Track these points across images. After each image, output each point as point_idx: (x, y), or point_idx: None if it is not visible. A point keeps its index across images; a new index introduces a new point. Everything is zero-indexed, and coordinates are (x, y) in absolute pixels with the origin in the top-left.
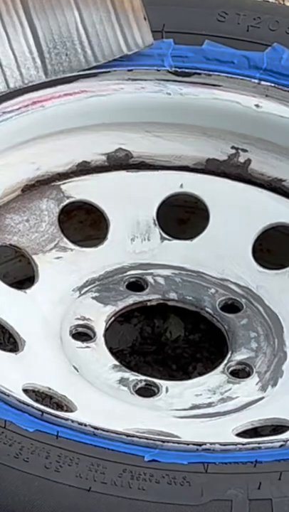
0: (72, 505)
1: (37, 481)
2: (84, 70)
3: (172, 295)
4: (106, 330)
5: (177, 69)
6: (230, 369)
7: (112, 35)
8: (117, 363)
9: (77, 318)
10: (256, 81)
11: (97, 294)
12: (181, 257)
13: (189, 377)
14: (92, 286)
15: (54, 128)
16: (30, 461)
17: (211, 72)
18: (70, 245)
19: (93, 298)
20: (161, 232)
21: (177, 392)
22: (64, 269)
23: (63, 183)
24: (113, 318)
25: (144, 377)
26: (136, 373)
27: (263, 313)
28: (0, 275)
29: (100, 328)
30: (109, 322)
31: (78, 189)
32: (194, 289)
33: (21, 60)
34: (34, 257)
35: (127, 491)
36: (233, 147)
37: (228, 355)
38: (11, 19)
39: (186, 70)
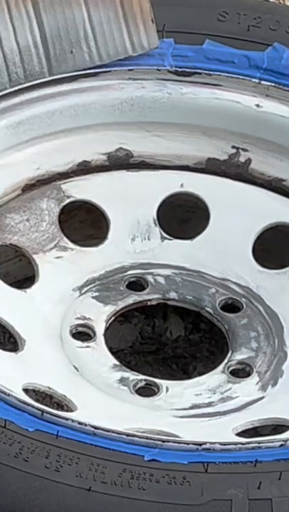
0: (72, 505)
1: (37, 481)
2: (87, 68)
3: (172, 295)
4: (106, 329)
5: (178, 68)
6: (231, 369)
7: (118, 35)
8: (117, 362)
9: (78, 318)
10: (256, 81)
11: (97, 294)
12: (181, 257)
13: (189, 377)
14: (92, 285)
15: (54, 127)
16: (30, 461)
17: (211, 72)
18: (71, 245)
19: (93, 297)
20: (161, 231)
21: (177, 392)
22: (64, 269)
23: (64, 183)
24: (113, 318)
25: (144, 377)
26: (136, 373)
27: (263, 312)
28: (0, 275)
29: (100, 328)
30: (110, 322)
31: (79, 189)
32: (194, 288)
33: (26, 55)
34: (34, 256)
35: (127, 491)
36: (233, 147)
37: (228, 355)
38: (19, 13)
39: (187, 70)
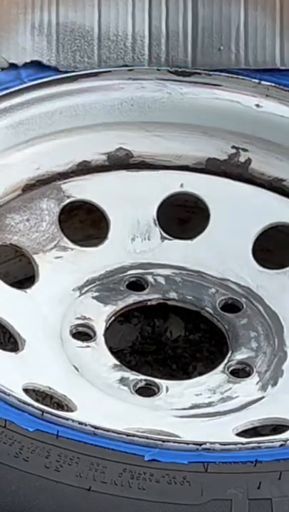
0: (72, 505)
1: (37, 481)
2: (230, 68)
3: (172, 295)
4: (106, 329)
5: (177, 68)
6: (231, 368)
7: (270, 44)
8: (117, 362)
9: (78, 318)
10: (256, 81)
11: (97, 294)
12: (181, 257)
13: (189, 377)
14: (92, 285)
15: (54, 127)
16: (30, 461)
17: (211, 72)
18: (71, 245)
19: (93, 297)
20: (161, 231)
21: (177, 392)
22: (64, 269)
23: (64, 183)
24: (113, 318)
25: (144, 377)
26: (136, 373)
27: (263, 312)
28: (0, 275)
29: (100, 328)
30: (110, 322)
31: (79, 189)
32: (194, 288)
33: (173, 41)
34: (34, 256)
35: (127, 491)
36: (233, 147)
37: (229, 355)
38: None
39: (187, 70)
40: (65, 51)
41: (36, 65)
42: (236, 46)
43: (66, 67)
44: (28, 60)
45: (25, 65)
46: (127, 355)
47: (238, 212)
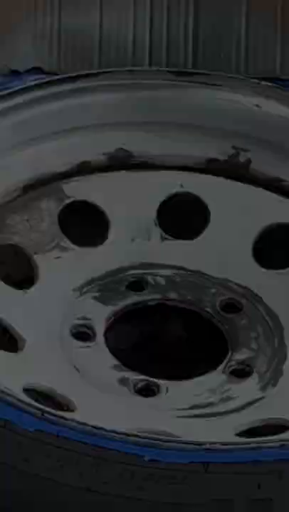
0: (73, 505)
1: (37, 481)
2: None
3: (172, 295)
4: (106, 329)
5: (178, 69)
6: (231, 369)
7: (271, 53)
8: (117, 362)
9: (78, 318)
10: (257, 81)
11: (97, 294)
12: (181, 257)
13: (189, 377)
14: (92, 285)
15: (54, 127)
16: (30, 461)
17: (211, 72)
18: (71, 245)
19: (93, 298)
20: (161, 231)
21: (177, 392)
22: (64, 269)
23: (64, 183)
24: (113, 318)
25: (144, 377)
26: (136, 373)
27: (263, 312)
28: (0, 275)
29: (100, 328)
30: (110, 322)
31: (79, 189)
32: (194, 288)
33: (173, 47)
34: (34, 256)
35: (127, 491)
36: (233, 147)
37: (229, 355)
38: (178, 3)
39: (187, 70)
40: (66, 58)
41: (37, 72)
42: (236, 53)
43: (66, 74)
44: (29, 67)
45: (26, 72)
46: (127, 355)
47: (238, 212)
